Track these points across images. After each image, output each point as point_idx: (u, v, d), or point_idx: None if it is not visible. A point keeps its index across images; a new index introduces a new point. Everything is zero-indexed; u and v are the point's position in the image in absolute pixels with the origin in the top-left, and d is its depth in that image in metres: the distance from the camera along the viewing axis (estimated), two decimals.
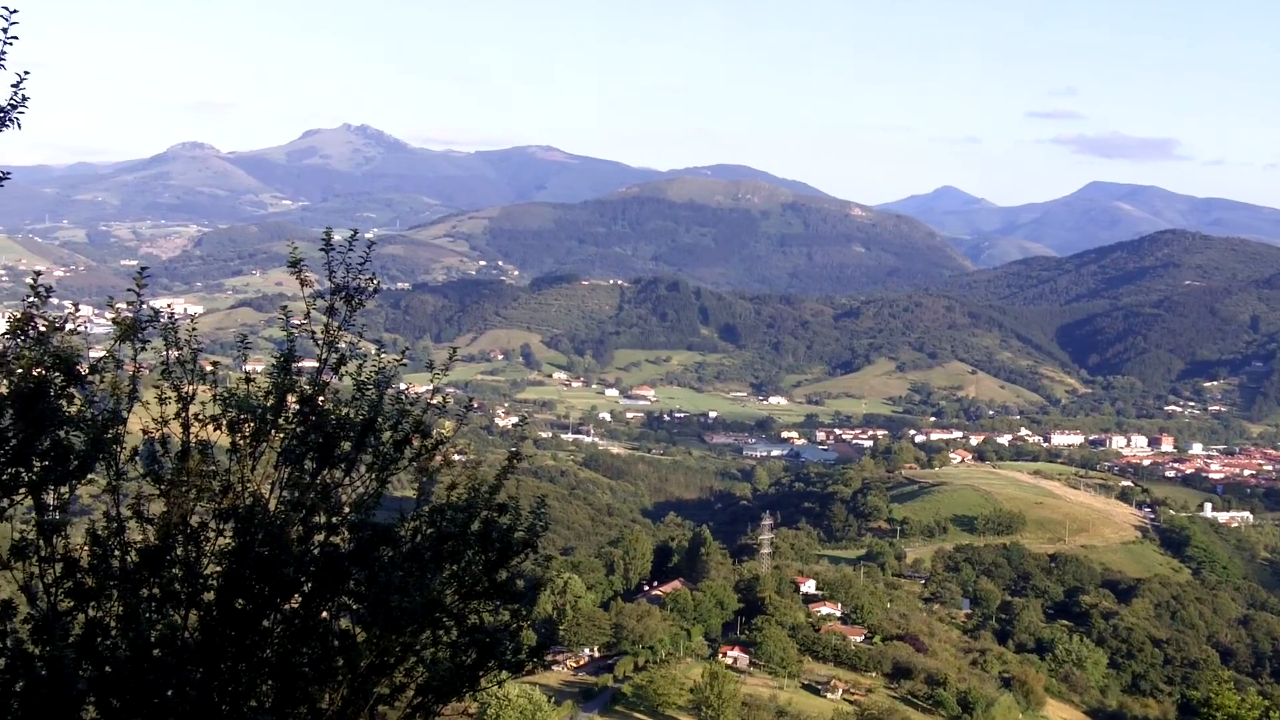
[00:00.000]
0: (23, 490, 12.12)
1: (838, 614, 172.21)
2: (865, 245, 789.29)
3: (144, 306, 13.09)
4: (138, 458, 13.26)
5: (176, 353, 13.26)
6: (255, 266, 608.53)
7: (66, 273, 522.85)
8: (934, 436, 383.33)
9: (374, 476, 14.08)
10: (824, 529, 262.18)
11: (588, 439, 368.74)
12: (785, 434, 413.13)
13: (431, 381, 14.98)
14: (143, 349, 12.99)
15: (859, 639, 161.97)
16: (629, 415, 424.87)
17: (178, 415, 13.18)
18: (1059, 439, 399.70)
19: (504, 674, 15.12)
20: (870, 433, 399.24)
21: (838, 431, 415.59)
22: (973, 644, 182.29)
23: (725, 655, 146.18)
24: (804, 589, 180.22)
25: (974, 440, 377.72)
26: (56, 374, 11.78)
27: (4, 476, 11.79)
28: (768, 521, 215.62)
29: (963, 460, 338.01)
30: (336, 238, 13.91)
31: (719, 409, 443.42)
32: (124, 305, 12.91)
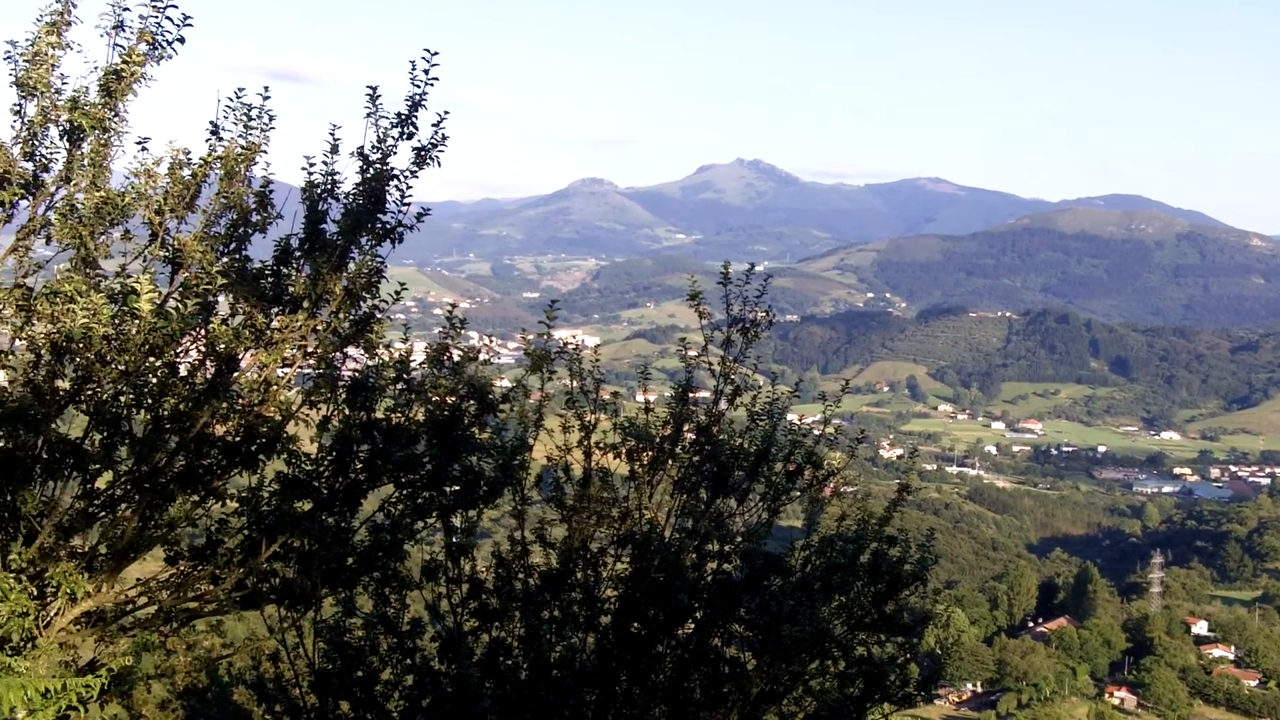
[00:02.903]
0: (434, 514, 12.65)
1: (1231, 657, 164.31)
2: (1265, 276, 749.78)
3: (548, 338, 13.52)
4: (541, 484, 13.71)
5: (579, 383, 13.65)
6: (649, 299, 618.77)
7: (472, 304, 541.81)
8: None
9: (765, 506, 14.15)
10: (1217, 569, 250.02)
11: (972, 472, 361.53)
12: (1177, 470, 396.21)
13: (823, 413, 14.96)
14: (549, 379, 13.41)
15: (1253, 684, 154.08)
16: (1015, 449, 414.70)
17: (580, 443, 13.56)
18: None
19: (889, 706, 14.96)
20: (1269, 470, 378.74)
21: (1233, 468, 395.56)
22: None
23: (1112, 695, 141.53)
24: (1195, 630, 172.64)
25: None
26: (470, 402, 12.26)
27: (419, 500, 12.32)
28: (1158, 560, 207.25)
29: None
30: (732, 270, 14.02)
31: (1108, 443, 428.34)
32: (533, 336, 13.36)
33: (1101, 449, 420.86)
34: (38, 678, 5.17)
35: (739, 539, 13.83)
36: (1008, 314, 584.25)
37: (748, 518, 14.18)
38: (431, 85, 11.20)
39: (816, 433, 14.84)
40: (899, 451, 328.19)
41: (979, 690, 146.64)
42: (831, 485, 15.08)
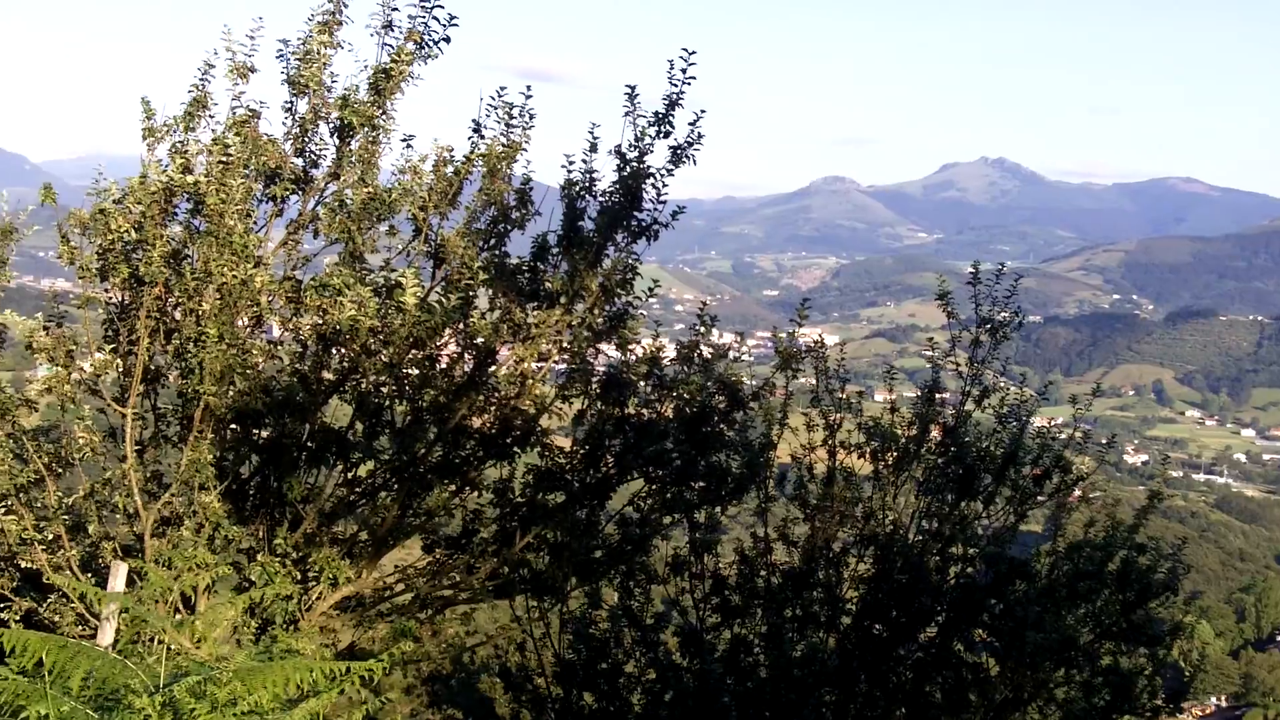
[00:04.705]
0: (682, 509, 12.76)
1: None
2: None
3: (793, 336, 13.48)
4: (783, 482, 13.72)
5: (824, 382, 13.61)
6: (889, 298, 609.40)
7: (712, 301, 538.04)
8: None
9: (1011, 510, 13.93)
10: None
11: (1220, 480, 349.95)
12: None
13: (1073, 415, 14.67)
14: (794, 377, 13.39)
15: None
16: (1265, 457, 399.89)
17: (824, 442, 13.53)
18: None
19: (1133, 718, 14.59)
20: None
21: None
22: None
23: None
24: None
25: None
26: (720, 399, 12.33)
27: (667, 495, 12.44)
28: None
29: None
30: (982, 270, 13.82)
31: None
32: (784, 334, 13.34)
33: None
34: (323, 661, 5.37)
35: (984, 542, 13.65)
36: (1259, 318, 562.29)
37: (992, 521, 13.98)
38: (689, 84, 11.22)
39: (1063, 436, 14.55)
40: (1144, 457, 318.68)
41: (1223, 704, 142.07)
42: (1078, 491, 14.77)
